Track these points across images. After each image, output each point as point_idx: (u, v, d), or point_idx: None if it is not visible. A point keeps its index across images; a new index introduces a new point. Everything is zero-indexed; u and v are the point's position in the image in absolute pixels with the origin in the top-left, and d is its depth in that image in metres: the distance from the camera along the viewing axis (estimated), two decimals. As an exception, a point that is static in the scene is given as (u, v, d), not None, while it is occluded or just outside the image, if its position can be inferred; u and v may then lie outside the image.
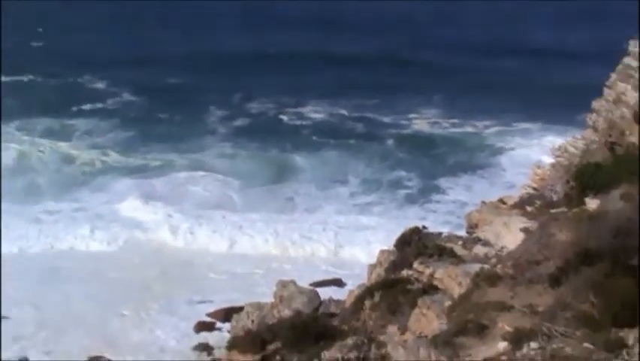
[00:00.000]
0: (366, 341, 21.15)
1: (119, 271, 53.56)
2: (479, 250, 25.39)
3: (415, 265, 24.98)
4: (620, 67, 32.34)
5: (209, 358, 42.86)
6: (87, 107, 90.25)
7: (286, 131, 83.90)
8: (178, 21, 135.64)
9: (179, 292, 50.70)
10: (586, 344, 11.81)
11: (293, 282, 37.10)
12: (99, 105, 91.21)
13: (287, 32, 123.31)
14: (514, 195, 35.60)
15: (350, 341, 21.47)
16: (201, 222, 60.77)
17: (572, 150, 33.91)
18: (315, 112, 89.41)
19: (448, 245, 26.41)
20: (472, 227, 30.87)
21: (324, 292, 40.44)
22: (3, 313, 47.41)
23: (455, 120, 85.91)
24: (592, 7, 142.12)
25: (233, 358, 25.82)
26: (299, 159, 75.26)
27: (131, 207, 63.86)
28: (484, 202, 34.20)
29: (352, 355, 20.44)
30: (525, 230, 23.77)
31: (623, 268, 13.61)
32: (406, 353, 15.88)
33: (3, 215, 60.81)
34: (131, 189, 67.65)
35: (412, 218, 53.79)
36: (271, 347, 24.71)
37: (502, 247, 24.38)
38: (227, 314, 44.90)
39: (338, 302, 34.69)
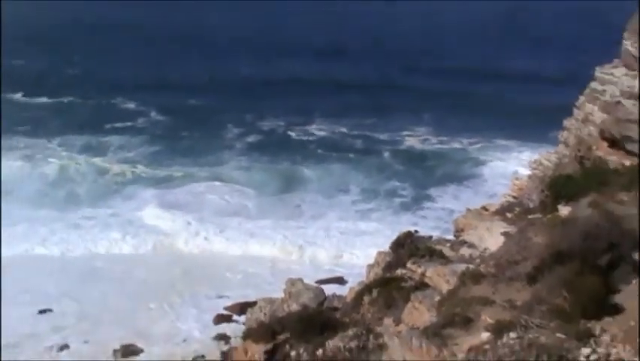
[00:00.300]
0: (365, 331, 21.07)
1: (147, 271, 53.60)
2: (465, 251, 25.35)
3: (408, 265, 24.94)
4: (587, 90, 32.38)
5: (226, 346, 42.95)
6: (119, 125, 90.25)
7: (294, 146, 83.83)
8: (199, 50, 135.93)
9: (200, 289, 50.73)
10: (559, 334, 11.81)
11: (300, 280, 37.08)
12: (130, 124, 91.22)
13: (294, 61, 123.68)
14: (495, 203, 35.61)
15: (351, 331, 21.41)
16: (219, 228, 60.58)
17: (546, 163, 33.92)
18: (319, 130, 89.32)
19: (438, 247, 26.38)
20: (458, 231, 30.82)
21: (328, 289, 40.37)
22: (48, 307, 47.76)
23: (443, 137, 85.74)
24: (562, 36, 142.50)
25: (247, 347, 25.74)
26: (306, 171, 75.07)
27: (156, 214, 63.73)
28: (469, 209, 34.14)
29: (353, 344, 20.38)
30: (505, 234, 23.75)
31: (591, 267, 13.62)
32: (400, 343, 15.80)
33: (48, 221, 61.26)
34: (156, 197, 67.61)
35: (406, 223, 53.73)
36: (281, 337, 24.65)
37: (485, 249, 24.33)
38: (242, 308, 44.98)
39: (340, 298, 34.62)
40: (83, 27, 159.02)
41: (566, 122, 33.52)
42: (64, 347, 43.76)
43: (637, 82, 28.12)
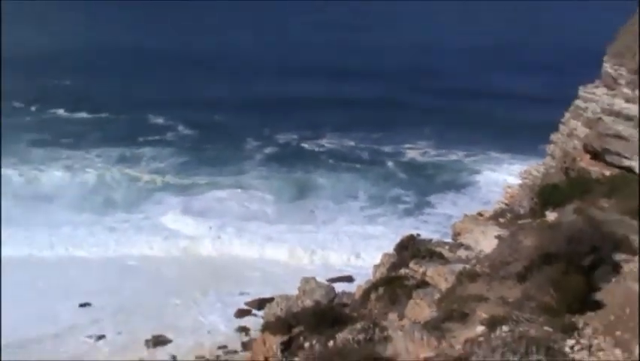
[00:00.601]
0: (371, 325, 21.01)
1: (175, 270, 53.84)
2: (462, 253, 25.29)
3: (411, 265, 24.88)
4: (571, 107, 32.40)
5: (247, 338, 43.09)
6: (150, 138, 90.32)
7: (307, 157, 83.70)
8: (221, 71, 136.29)
9: (222, 287, 50.87)
10: (546, 328, 11.87)
11: (313, 279, 37.02)
12: (159, 137, 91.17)
13: (306, 81, 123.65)
14: (489, 209, 35.55)
15: (359, 325, 21.34)
16: (240, 231, 60.49)
17: (535, 173, 33.89)
18: (329, 143, 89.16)
19: (437, 249, 26.31)
20: (456, 235, 30.73)
21: (338, 287, 40.31)
22: (87, 301, 48.06)
23: (441, 150, 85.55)
24: (548, 60, 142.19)
25: (266, 338, 25.73)
26: (319, 179, 74.93)
27: (182, 219, 63.75)
28: (465, 215, 34.06)
29: (361, 336, 20.34)
30: (498, 237, 23.65)
31: (575, 267, 13.64)
32: (403, 335, 15.79)
33: (88, 225, 61.61)
34: (182, 203, 67.74)
35: (409, 227, 53.62)
36: (296, 330, 24.59)
37: (480, 251, 24.25)
38: (261, 304, 45.06)
39: (349, 295, 34.53)
40: (119, 51, 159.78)
41: (553, 137, 33.53)
42: (101, 337, 44.08)
43: (616, 100, 28.13)
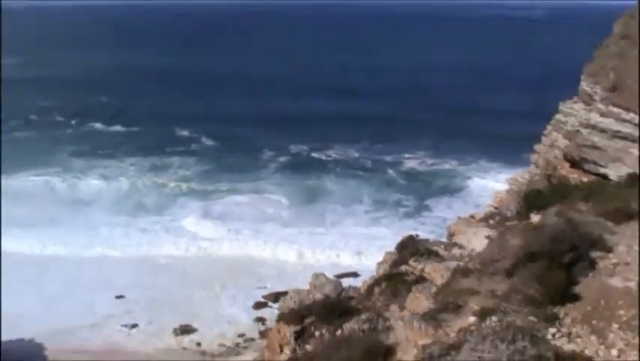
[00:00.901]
0: (375, 316, 20.93)
1: (199, 267, 53.94)
2: (456, 251, 25.15)
3: (411, 262, 24.76)
4: (553, 121, 32.29)
5: (264, 327, 43.20)
6: (177, 149, 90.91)
7: (317, 165, 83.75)
8: (240, 88, 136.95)
9: (241, 282, 50.96)
10: (531, 318, 11.84)
11: (323, 274, 36.94)
12: (184, 148, 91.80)
13: (316, 98, 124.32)
14: (480, 212, 35.37)
15: (364, 316, 21.26)
16: (257, 233, 60.41)
17: (520, 180, 33.76)
18: (337, 153, 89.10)
19: (434, 248, 26.16)
20: (450, 235, 30.57)
21: (345, 282, 40.25)
22: (121, 294, 48.38)
23: (436, 159, 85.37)
24: (531, 79, 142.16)
25: (280, 328, 25.65)
26: (328, 185, 74.92)
27: (204, 221, 63.72)
28: (459, 217, 33.85)
29: (365, 326, 20.28)
30: (488, 237, 23.51)
31: (557, 264, 13.59)
32: (404, 325, 15.71)
33: (122, 227, 61.95)
34: (205, 207, 67.84)
35: (408, 228, 53.49)
36: (307, 321, 24.48)
37: (472, 250, 24.13)
38: (276, 297, 45.14)
39: (355, 289, 34.44)
40: (149, 72, 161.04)
41: (536, 147, 33.43)
42: (134, 325, 44.29)
43: (592, 114, 28.12)
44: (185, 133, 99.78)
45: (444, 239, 31.50)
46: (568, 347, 10.80)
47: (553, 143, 31.46)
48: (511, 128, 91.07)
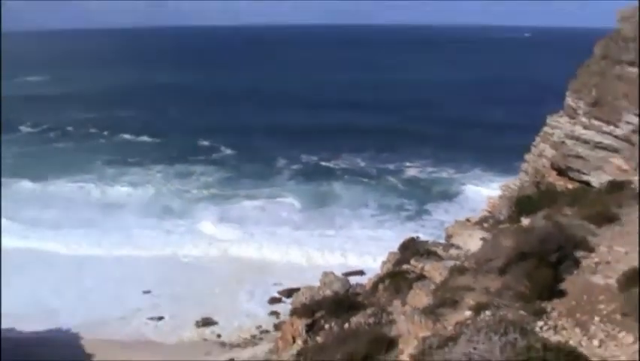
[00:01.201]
0: (380, 311, 20.88)
1: (218, 266, 53.90)
2: (453, 252, 25.06)
3: (412, 262, 24.67)
4: (541, 133, 32.21)
5: (278, 320, 43.22)
6: (199, 158, 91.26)
7: (327, 173, 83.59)
8: (255, 102, 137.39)
9: (258, 279, 50.94)
10: (521, 312, 11.88)
11: (332, 273, 36.89)
12: (206, 157, 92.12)
13: (326, 111, 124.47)
14: (475, 216, 35.26)
15: (369, 311, 21.18)
16: (272, 235, 60.34)
17: (512, 186, 33.67)
18: (344, 162, 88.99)
19: (433, 249, 26.07)
20: (448, 237, 30.42)
21: (353, 279, 40.11)
22: (148, 289, 48.52)
23: (435, 168, 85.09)
24: (522, 94, 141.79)
25: (293, 321, 25.61)
26: (336, 191, 74.78)
27: (223, 224, 63.67)
28: (456, 220, 33.70)
29: (371, 320, 20.21)
30: (483, 239, 23.53)
31: (545, 263, 13.65)
32: (405, 319, 15.75)
33: (150, 229, 62.06)
34: (225, 211, 67.70)
35: (410, 231, 53.46)
36: (318, 315, 24.40)
37: (468, 250, 24.03)
38: (289, 293, 44.98)
39: (361, 286, 34.40)
40: (174, 88, 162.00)
41: (526, 157, 33.40)
42: (160, 318, 44.49)
43: (576, 127, 28.17)
44: (207, 143, 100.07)
45: (442, 240, 31.46)
46: (554, 338, 10.85)
47: (541, 153, 31.46)
48: (503, 139, 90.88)
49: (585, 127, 27.73)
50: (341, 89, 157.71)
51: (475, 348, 10.42)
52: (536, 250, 14.19)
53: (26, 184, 75.86)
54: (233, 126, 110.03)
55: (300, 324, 24.34)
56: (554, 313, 11.86)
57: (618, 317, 11.25)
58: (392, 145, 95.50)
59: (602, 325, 11.14)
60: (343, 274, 42.56)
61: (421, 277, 23.16)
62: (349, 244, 57.70)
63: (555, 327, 11.33)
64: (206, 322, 43.79)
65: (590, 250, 14.69)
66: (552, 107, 32.82)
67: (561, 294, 12.66)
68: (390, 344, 15.88)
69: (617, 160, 25.80)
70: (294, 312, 26.43)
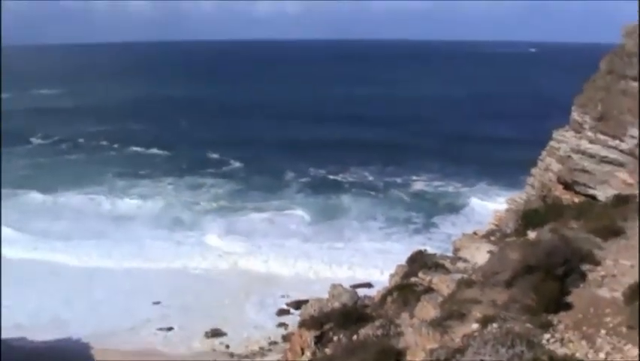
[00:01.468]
0: (388, 323, 20.90)
1: (227, 278, 53.83)
2: (460, 265, 25.02)
3: (420, 274, 24.64)
4: (547, 147, 32.23)
5: (286, 332, 43.11)
6: (209, 170, 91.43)
7: (335, 186, 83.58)
8: (264, 117, 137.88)
9: (267, 291, 50.89)
10: (528, 325, 11.92)
11: (340, 285, 36.86)
12: (215, 170, 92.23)
13: (334, 125, 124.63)
14: (482, 229, 35.28)
15: (377, 323, 21.19)
16: (280, 247, 60.22)
17: (518, 200, 33.64)
18: (352, 175, 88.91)
19: (441, 262, 26.01)
20: (456, 250, 30.35)
21: (361, 292, 40.04)
22: (157, 300, 48.50)
23: (442, 182, 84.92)
24: (528, 109, 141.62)
25: (302, 333, 25.58)
26: (344, 204, 74.67)
27: (232, 236, 63.58)
28: (463, 234, 33.67)
29: (379, 332, 20.22)
30: (490, 252, 23.47)
31: (551, 276, 13.66)
32: (413, 331, 15.73)
33: (160, 240, 62.12)
34: (233, 223, 67.66)
35: (417, 244, 53.04)
36: (326, 326, 24.35)
37: (475, 263, 23.98)
38: (298, 305, 44.89)
39: (370, 298, 34.35)
40: (183, 102, 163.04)
41: (533, 171, 33.40)
42: (169, 328, 44.53)
43: (582, 141, 28.22)
44: (216, 156, 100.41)
45: (450, 254, 31.43)
46: (561, 351, 10.91)
47: (547, 167, 31.48)
48: (509, 153, 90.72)
49: (591, 141, 27.78)
50: (348, 104, 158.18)
51: (482, 360, 10.50)
52: (543, 264, 14.21)
53: (37, 196, 76.34)
54: (242, 140, 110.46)
55: (309, 336, 24.28)
56: (561, 326, 11.91)
57: (624, 329, 11.31)
58: (398, 159, 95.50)
59: (608, 338, 11.19)
60: (351, 287, 42.55)
61: (429, 289, 23.13)
62: (357, 257, 57.46)
63: (562, 340, 11.39)
64: (215, 333, 43.77)
65: (596, 263, 14.73)
66: (558, 121, 32.88)
67: (567, 307, 12.71)
68: (398, 355, 15.88)
69: (623, 174, 25.83)
70: (303, 324, 26.34)
